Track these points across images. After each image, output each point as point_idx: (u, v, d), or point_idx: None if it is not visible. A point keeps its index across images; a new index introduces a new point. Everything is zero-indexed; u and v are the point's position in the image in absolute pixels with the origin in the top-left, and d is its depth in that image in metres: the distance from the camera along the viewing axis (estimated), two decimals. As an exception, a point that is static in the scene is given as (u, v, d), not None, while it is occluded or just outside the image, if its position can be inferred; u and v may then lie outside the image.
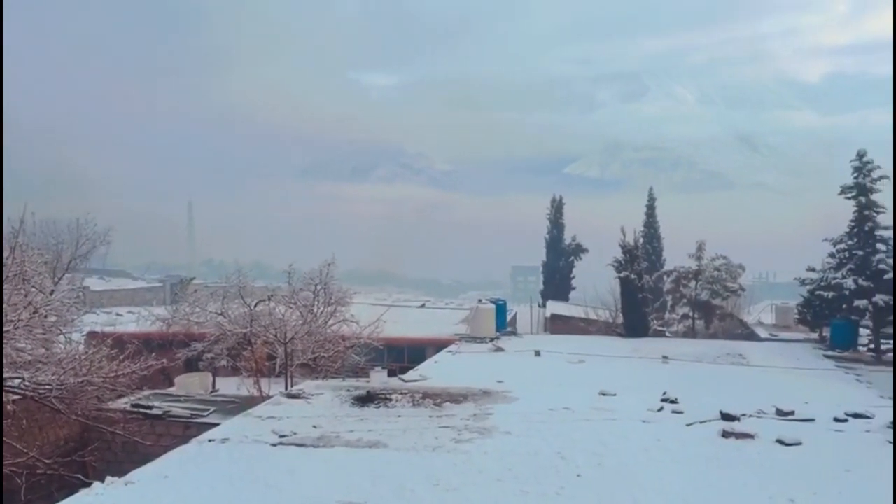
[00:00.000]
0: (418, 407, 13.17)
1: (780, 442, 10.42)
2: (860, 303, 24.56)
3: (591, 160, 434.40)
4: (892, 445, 10.52)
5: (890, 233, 25.08)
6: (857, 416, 11.99)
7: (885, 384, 19.24)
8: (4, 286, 13.41)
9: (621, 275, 30.23)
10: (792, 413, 12.14)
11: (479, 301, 29.56)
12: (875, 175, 25.22)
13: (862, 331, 26.18)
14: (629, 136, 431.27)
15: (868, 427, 11.40)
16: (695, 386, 17.80)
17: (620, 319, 32.22)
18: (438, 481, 8.79)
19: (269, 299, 23.37)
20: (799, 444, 10.37)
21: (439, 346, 25.70)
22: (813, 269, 27.58)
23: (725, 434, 10.84)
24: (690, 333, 35.76)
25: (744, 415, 11.98)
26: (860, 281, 24.63)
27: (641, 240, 41.80)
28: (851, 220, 25.68)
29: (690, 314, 36.83)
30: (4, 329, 12.85)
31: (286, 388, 17.20)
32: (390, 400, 13.63)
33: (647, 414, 12.40)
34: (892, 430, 11.06)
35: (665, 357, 22.86)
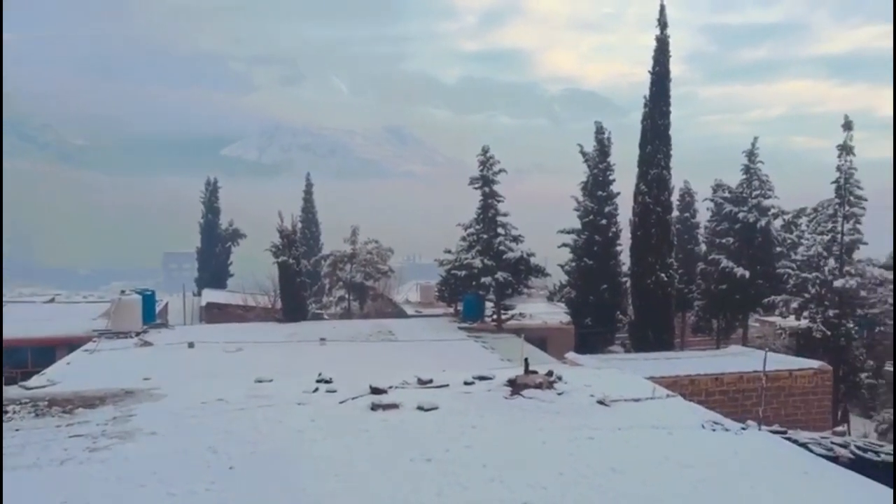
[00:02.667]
0: (43, 417, 11.41)
1: (421, 408, 11.47)
2: (486, 280, 28.37)
3: (249, 143, 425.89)
4: (506, 400, 12.36)
5: (507, 219, 29.39)
6: (481, 378, 13.78)
7: (505, 348, 22.56)
8: None
9: (279, 260, 30.25)
10: (431, 381, 13.46)
11: (122, 292, 26.83)
12: (496, 168, 29.25)
13: (488, 304, 30.34)
14: (288, 121, 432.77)
15: (490, 387, 13.18)
16: (349, 364, 18.68)
17: (280, 304, 32.27)
18: (66, 499, 7.71)
19: None
20: (436, 408, 11.54)
21: (73, 345, 22.68)
22: (449, 251, 31.00)
23: (374, 407, 11.55)
24: (347, 314, 37.54)
25: (391, 387, 12.90)
26: (485, 261, 28.42)
27: (300, 225, 42.43)
28: (478, 208, 29.45)
29: (346, 296, 38.64)
30: None
31: None
32: (6, 413, 11.57)
33: (303, 396, 12.59)
34: (509, 388, 12.99)
35: (322, 339, 23.55)
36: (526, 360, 14.02)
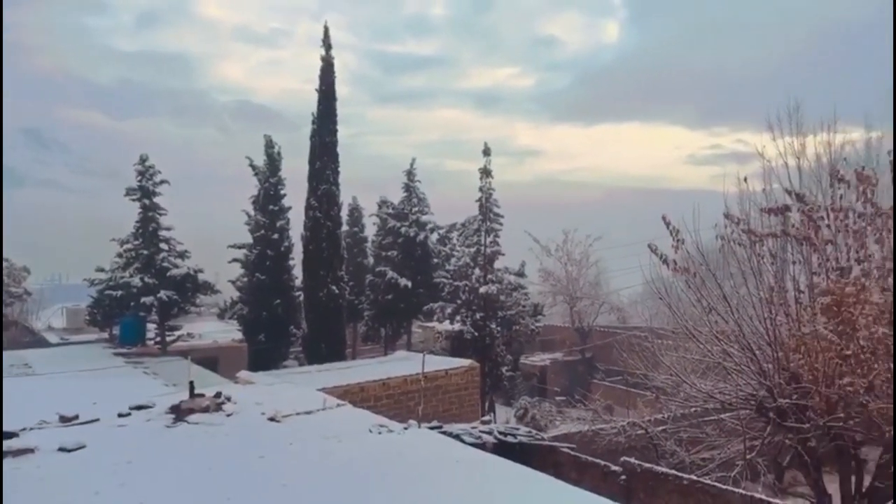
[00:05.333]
0: None
1: (63, 449, 9.99)
2: (147, 299, 25.99)
3: None
4: (169, 429, 11.43)
5: (171, 233, 27.42)
6: (140, 407, 12.55)
7: (170, 372, 20.93)
8: None
9: None
10: (76, 417, 11.83)
11: None
12: (157, 179, 27.08)
13: (150, 326, 27.81)
14: None
15: (149, 417, 12.07)
16: (-33, 408, 15.48)
17: None
18: None
19: None
20: (83, 447, 10.16)
21: None
22: (102, 269, 27.75)
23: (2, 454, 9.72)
24: (-34, 348, 31.16)
25: (24, 429, 11.02)
26: (146, 279, 26.06)
27: None
28: (137, 221, 26.90)
29: (-35, 326, 32.08)
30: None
31: None
32: None
33: None
34: (172, 415, 12.03)
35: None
36: (191, 383, 13.17)
